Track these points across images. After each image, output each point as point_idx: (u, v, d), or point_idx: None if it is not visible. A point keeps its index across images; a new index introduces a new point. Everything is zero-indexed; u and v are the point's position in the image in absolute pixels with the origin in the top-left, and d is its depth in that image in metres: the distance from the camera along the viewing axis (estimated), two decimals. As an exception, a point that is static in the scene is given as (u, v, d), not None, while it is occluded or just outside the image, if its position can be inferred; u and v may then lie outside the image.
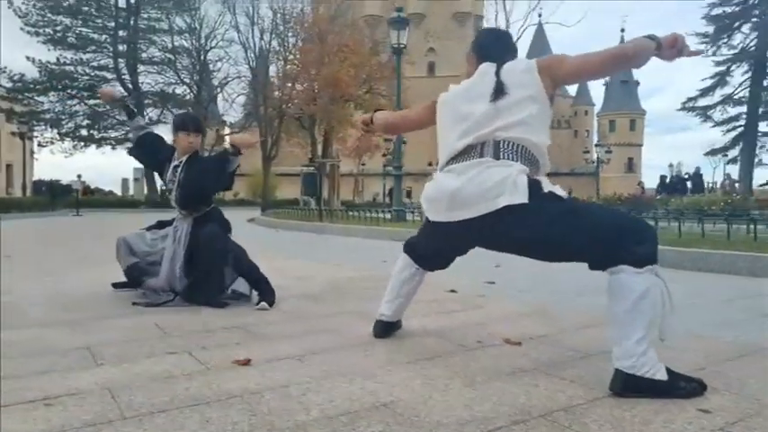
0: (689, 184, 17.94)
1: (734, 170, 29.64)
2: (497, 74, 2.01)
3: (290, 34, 37.64)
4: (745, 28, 29.68)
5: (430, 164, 25.75)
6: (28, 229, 12.71)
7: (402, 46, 12.11)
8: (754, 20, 29.29)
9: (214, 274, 3.15)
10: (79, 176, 33.49)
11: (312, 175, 17.32)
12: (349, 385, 1.76)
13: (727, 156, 31.53)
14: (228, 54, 39.75)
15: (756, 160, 28.37)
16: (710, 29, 30.19)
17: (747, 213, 9.06)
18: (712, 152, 32.17)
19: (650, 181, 30.43)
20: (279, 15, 36.92)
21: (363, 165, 42.70)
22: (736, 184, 22.06)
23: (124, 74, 40.47)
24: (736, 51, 29.86)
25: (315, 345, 2.25)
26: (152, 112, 41.66)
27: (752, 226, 6.61)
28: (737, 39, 30.07)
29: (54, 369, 1.93)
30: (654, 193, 18.03)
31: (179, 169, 3.31)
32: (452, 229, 1.95)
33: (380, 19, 55.03)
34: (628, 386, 1.66)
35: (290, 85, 39.73)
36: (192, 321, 2.73)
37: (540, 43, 65.81)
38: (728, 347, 2.23)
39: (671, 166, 56.26)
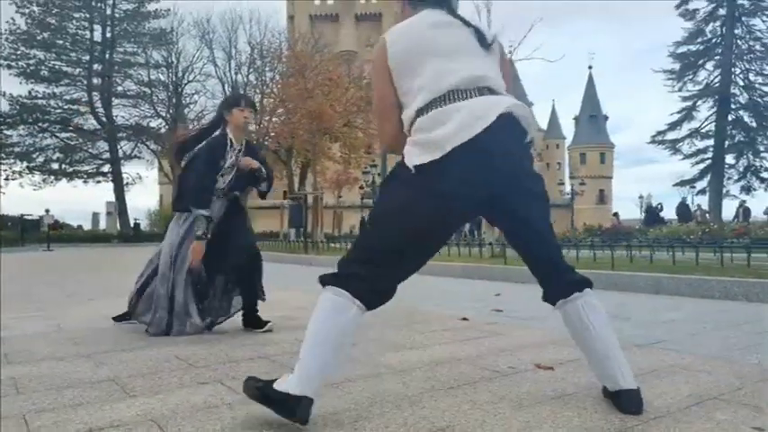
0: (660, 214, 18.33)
1: (702, 201, 30.46)
2: (475, 25, 1.81)
3: (267, 68, 38.04)
4: (709, 65, 31.02)
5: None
6: (2, 265, 12.32)
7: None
8: (717, 58, 30.61)
9: (234, 292, 3.30)
10: (47, 211, 32.81)
11: (298, 206, 17.29)
12: (399, 411, 1.73)
13: (695, 187, 32.47)
14: (206, 87, 39.92)
15: (724, 191, 29.27)
16: (677, 66, 31.44)
17: (733, 241, 9.34)
18: (681, 183, 33.08)
19: (623, 212, 30.99)
20: (256, 51, 37.33)
21: (340, 197, 42.78)
22: (707, 215, 22.65)
23: (98, 107, 40.14)
24: (702, 87, 31.06)
25: (347, 373, 2.21)
26: (126, 146, 41.39)
27: (729, 253, 6.82)
28: (702, 75, 31.36)
29: (87, 401, 1.86)
30: (636, 224, 18.48)
31: (240, 154, 3.28)
32: (464, 174, 1.55)
33: (356, 54, 56.00)
34: (641, 402, 1.70)
35: (267, 118, 39.86)
36: (212, 352, 2.67)
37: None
38: (756, 369, 2.26)
39: (641, 197, 57.72)
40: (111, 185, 40.62)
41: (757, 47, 30.36)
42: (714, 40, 30.83)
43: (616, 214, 22.79)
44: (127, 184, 41.21)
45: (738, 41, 30.28)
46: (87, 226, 45.05)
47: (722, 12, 30.39)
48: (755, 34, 30.43)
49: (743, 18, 30.41)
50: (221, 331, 3.24)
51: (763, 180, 29.72)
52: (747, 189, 30.18)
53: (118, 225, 39.05)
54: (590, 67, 73.15)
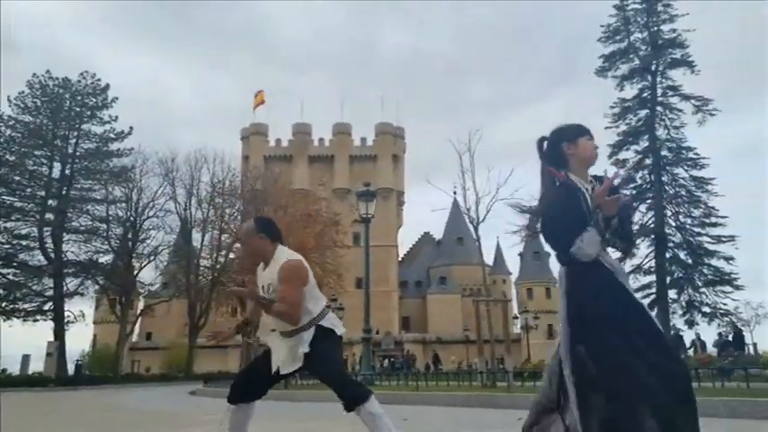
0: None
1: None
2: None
3: (226, 205, 38.77)
4: (642, 207, 33.80)
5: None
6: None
7: (371, 216, 12.97)
8: (649, 201, 33.54)
9: None
10: (-31, 353, 30.42)
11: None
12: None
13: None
14: (165, 223, 39.79)
15: (671, 324, 30.59)
16: (612, 207, 33.99)
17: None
18: (628, 318, 34.24)
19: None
20: (218, 188, 38.33)
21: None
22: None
23: (47, 242, 38.63)
24: (638, 227, 33.55)
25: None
26: (71, 282, 39.41)
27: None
28: (636, 216, 34.00)
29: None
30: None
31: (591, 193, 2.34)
32: None
33: (309, 192, 57.89)
34: None
35: (223, 253, 39.93)
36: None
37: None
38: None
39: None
40: (43, 325, 37.93)
41: (683, 192, 33.58)
42: (644, 186, 33.99)
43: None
44: (68, 322, 38.93)
45: (666, 187, 33.48)
46: (11, 369, 40.79)
47: (649, 161, 33.85)
48: (680, 182, 33.81)
49: (667, 167, 33.90)
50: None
51: (705, 315, 31.36)
52: (691, 323, 31.68)
53: (55, 367, 36.23)
54: (530, 208, 77.75)
